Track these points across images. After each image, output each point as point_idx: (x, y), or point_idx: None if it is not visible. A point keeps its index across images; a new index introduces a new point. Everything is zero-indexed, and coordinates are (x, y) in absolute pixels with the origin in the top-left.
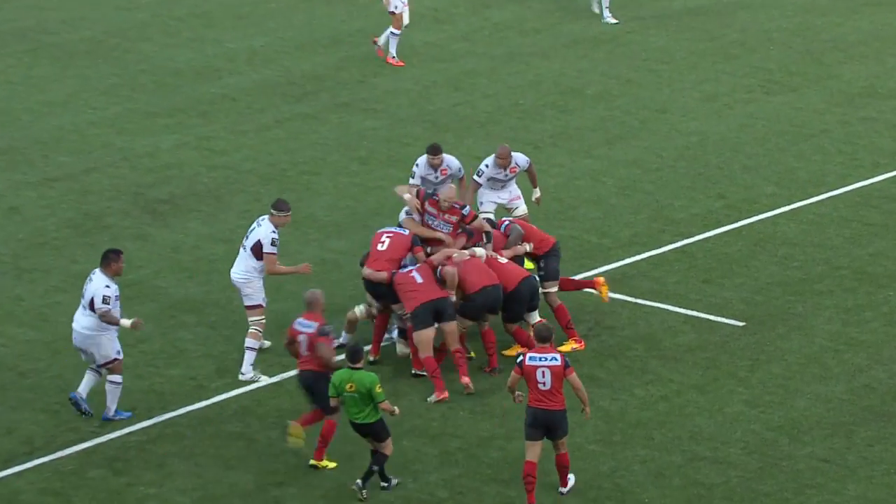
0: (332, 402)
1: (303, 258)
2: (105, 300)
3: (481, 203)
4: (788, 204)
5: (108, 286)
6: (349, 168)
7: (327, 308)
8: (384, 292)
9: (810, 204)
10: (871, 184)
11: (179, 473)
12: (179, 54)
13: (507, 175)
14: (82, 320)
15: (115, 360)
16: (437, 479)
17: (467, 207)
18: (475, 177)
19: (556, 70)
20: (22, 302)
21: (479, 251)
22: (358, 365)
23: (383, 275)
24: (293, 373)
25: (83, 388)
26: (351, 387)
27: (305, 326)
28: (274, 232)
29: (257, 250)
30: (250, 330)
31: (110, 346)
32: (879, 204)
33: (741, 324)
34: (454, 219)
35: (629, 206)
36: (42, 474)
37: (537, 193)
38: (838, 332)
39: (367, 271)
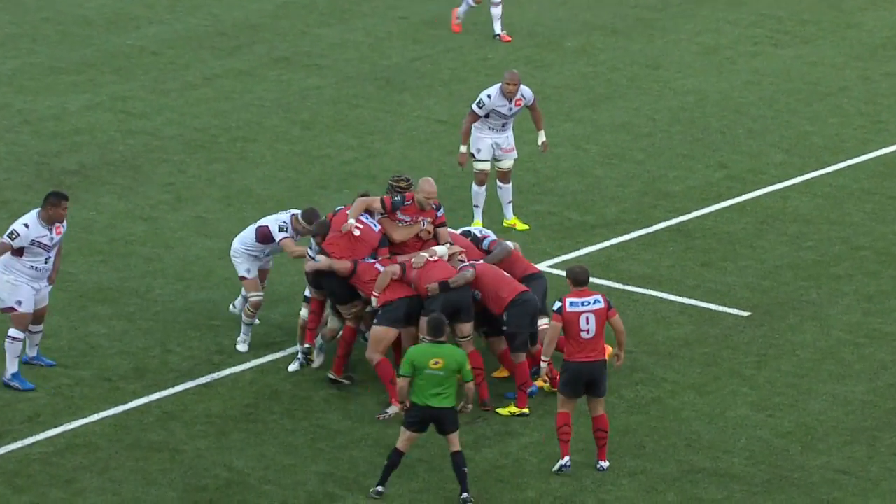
0: (402, 382)
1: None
2: (11, 234)
3: (478, 150)
4: (801, 174)
5: (26, 224)
6: (290, 133)
7: (267, 305)
8: (334, 288)
9: (826, 174)
10: None
11: (92, 490)
12: (89, 0)
13: (511, 109)
14: None
15: (11, 308)
16: (394, 495)
17: (442, 208)
18: (474, 106)
19: (530, 19)
20: None
21: (440, 249)
22: (443, 338)
23: (346, 264)
24: (224, 373)
25: None
26: (437, 363)
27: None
28: (286, 222)
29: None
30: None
31: (8, 290)
32: None
33: (746, 314)
34: (428, 220)
35: (616, 178)
36: None
37: (543, 137)
38: (858, 323)
39: (323, 260)
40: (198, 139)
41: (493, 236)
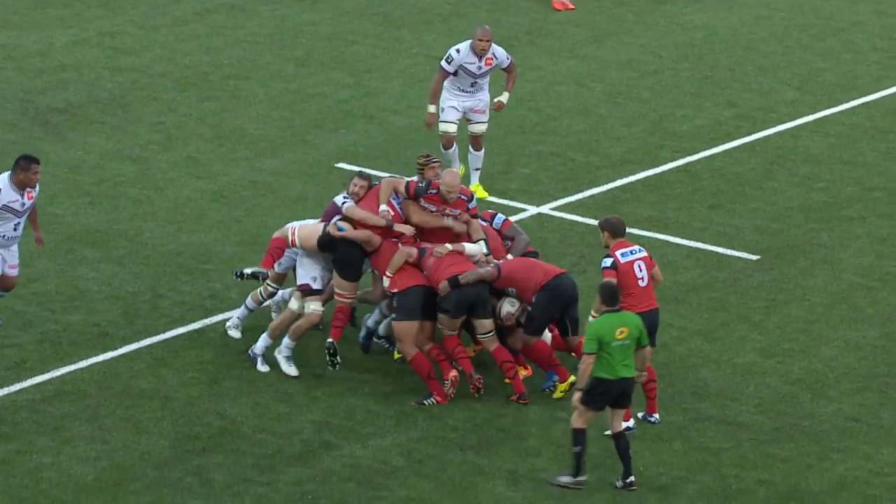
0: (588, 360)
1: (228, 181)
2: None
3: (443, 109)
4: (812, 113)
5: None
6: (284, 71)
7: (261, 248)
8: (348, 260)
9: (839, 112)
10: None
11: (80, 438)
12: None
13: (480, 68)
14: None
15: None
16: (392, 444)
17: (474, 199)
18: (442, 62)
19: None
20: None
21: (472, 248)
22: (619, 306)
23: (378, 238)
24: (217, 319)
25: None
26: (622, 332)
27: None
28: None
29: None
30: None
31: None
32: None
33: (755, 257)
34: (456, 213)
35: (621, 117)
36: None
37: (503, 98)
38: (871, 266)
39: (359, 232)
40: (188, 77)
41: (500, 216)
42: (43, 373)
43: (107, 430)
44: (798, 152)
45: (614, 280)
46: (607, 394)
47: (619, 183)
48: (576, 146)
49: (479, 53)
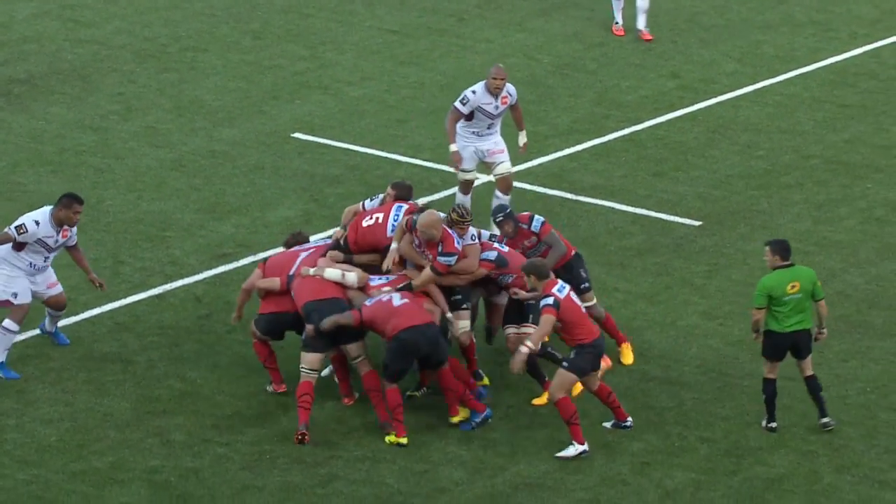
0: (758, 315)
1: (187, 150)
2: (19, 228)
3: (462, 158)
4: (752, 83)
5: (36, 222)
6: (241, 43)
7: (219, 215)
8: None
9: (777, 83)
10: (847, 59)
11: (44, 401)
12: None
13: (497, 107)
14: None
15: (7, 302)
16: (348, 406)
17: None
18: (457, 104)
19: None
20: None
21: (349, 276)
22: (791, 261)
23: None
24: (177, 284)
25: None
26: (794, 286)
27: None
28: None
29: None
30: None
31: (3, 282)
32: (856, 82)
33: (697, 223)
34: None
35: (568, 88)
36: None
37: (524, 138)
38: (808, 232)
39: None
40: (148, 49)
41: (539, 219)
42: None
43: (70, 392)
44: (738, 122)
45: (786, 241)
46: (779, 346)
47: (566, 152)
48: (525, 116)
49: (494, 92)
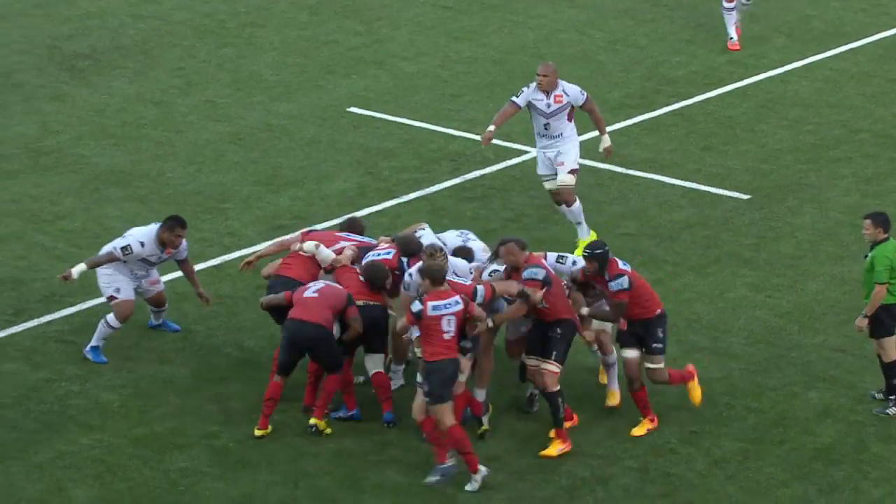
0: (883, 292)
1: (245, 124)
2: (125, 249)
3: (537, 165)
4: (801, 59)
5: (142, 243)
6: (298, 19)
7: (276, 188)
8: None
9: (826, 58)
10: None
11: (107, 368)
12: None
13: (549, 105)
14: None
15: (111, 297)
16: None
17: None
18: (513, 97)
19: None
20: None
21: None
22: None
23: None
24: (235, 255)
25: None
26: None
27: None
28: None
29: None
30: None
31: (105, 280)
32: None
33: (746, 197)
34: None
35: (620, 64)
36: None
37: (606, 142)
38: (856, 205)
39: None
40: (207, 24)
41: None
42: (71, 305)
43: (132, 359)
44: (787, 96)
45: (884, 212)
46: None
47: (617, 126)
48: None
49: (545, 89)
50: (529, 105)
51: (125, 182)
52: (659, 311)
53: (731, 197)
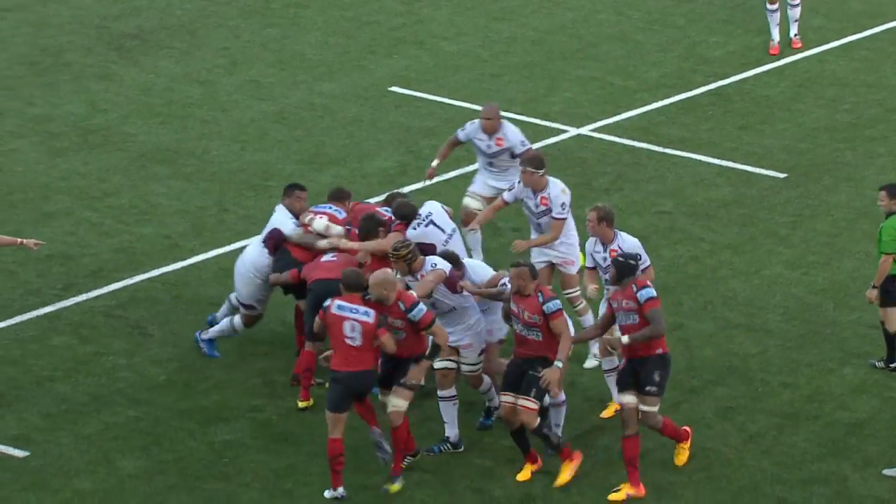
0: (888, 263)
1: (289, 103)
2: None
3: (473, 181)
4: (838, 38)
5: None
6: (341, 0)
7: (319, 166)
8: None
9: (864, 38)
10: None
11: (154, 341)
12: None
13: (490, 147)
14: (251, 251)
15: (251, 307)
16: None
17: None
18: (458, 131)
19: None
20: None
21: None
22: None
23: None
24: None
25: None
26: None
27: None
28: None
29: None
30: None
31: (258, 292)
32: None
33: (782, 175)
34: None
35: (657, 43)
36: None
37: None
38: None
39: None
40: (252, 5)
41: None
42: (118, 280)
43: (177, 333)
44: (824, 76)
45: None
46: None
47: (654, 106)
48: (614, 71)
49: (487, 130)
50: (472, 142)
51: (171, 160)
52: (660, 350)
53: (767, 175)
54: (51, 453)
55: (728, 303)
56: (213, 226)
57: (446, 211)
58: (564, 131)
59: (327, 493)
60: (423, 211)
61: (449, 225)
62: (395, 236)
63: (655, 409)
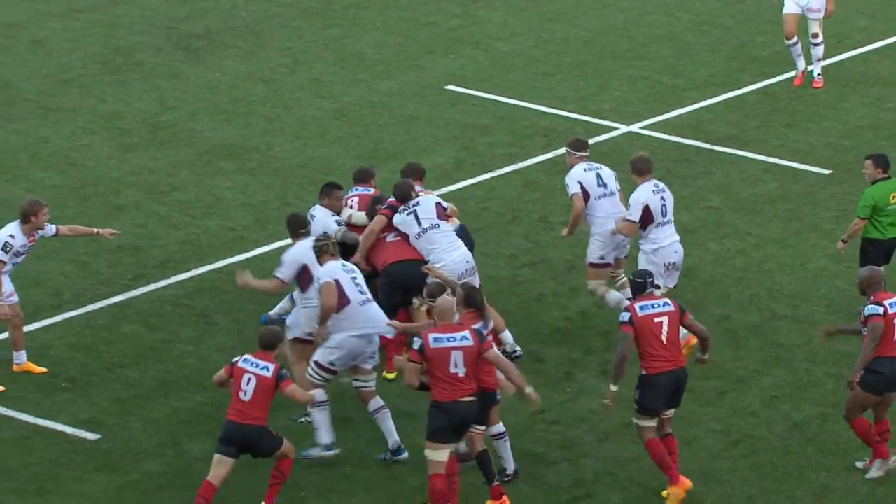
0: (860, 225)
1: (349, 100)
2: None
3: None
4: (884, 38)
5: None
6: (399, 1)
7: (378, 162)
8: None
9: None
10: None
11: (219, 330)
12: None
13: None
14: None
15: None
16: None
17: None
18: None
19: None
20: (47, 144)
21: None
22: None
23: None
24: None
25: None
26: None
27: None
28: None
29: None
30: None
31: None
32: None
33: (827, 172)
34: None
35: (706, 44)
36: (72, 328)
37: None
38: None
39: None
40: (314, 6)
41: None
42: (185, 271)
43: (242, 322)
44: (869, 75)
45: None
46: (879, 253)
47: (703, 104)
48: (663, 70)
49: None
50: None
51: (236, 155)
52: (644, 372)
53: (812, 172)
54: (121, 436)
55: (774, 295)
56: (275, 219)
57: (446, 208)
58: (615, 129)
59: None
60: (414, 200)
61: (430, 221)
62: (380, 219)
63: (637, 422)
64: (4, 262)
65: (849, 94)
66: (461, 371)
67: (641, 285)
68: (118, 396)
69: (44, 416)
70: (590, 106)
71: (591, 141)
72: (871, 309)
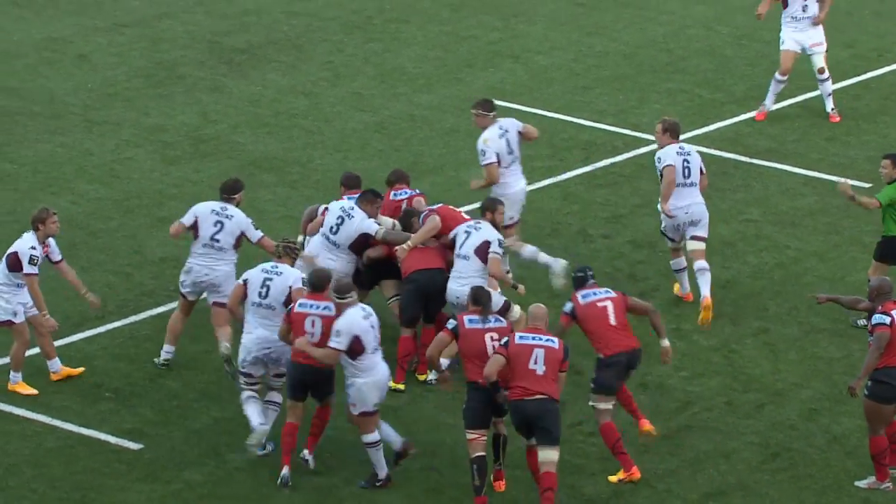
0: (875, 205)
1: (389, 114)
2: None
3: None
4: None
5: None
6: (440, 15)
7: (417, 174)
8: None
9: None
10: None
11: None
12: None
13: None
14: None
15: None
16: None
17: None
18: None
19: None
20: (91, 156)
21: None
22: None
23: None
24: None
25: None
26: None
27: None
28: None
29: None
30: None
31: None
32: None
33: (867, 185)
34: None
35: (745, 58)
36: (115, 339)
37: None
38: None
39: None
40: (355, 20)
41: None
42: None
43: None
44: None
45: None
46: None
47: (742, 117)
48: (703, 84)
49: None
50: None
51: (277, 168)
52: (602, 355)
53: (852, 185)
54: (163, 446)
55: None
56: None
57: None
58: (654, 142)
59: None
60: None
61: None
62: (433, 219)
63: (594, 404)
64: (37, 274)
65: (889, 107)
66: (539, 369)
67: (582, 279)
68: (161, 406)
69: (87, 426)
70: (629, 119)
71: (630, 154)
72: (878, 318)
